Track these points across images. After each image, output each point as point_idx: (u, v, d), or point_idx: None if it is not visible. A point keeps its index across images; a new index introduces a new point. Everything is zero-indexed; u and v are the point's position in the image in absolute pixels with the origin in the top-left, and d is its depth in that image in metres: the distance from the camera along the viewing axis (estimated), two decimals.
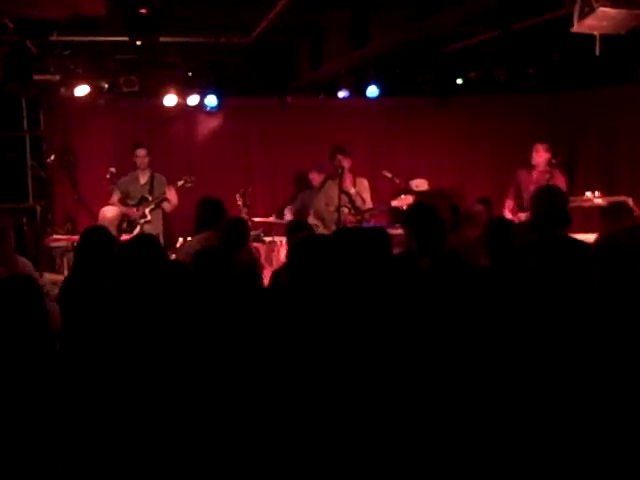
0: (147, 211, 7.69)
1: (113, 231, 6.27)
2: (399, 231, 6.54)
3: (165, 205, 7.82)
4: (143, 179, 7.93)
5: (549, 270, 3.16)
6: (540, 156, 7.53)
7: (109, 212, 6.80)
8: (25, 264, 4.63)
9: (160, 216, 7.86)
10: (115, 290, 3.81)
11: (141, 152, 7.90)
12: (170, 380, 2.97)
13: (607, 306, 3.06)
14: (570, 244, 3.24)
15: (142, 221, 7.62)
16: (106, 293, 3.86)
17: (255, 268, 5.65)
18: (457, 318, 3.11)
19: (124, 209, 7.57)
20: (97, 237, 4.58)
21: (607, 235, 4.65)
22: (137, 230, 7.40)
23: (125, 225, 7.41)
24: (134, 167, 7.96)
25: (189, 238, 7.28)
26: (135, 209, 7.67)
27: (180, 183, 7.80)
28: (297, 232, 4.95)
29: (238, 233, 5.26)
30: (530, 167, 7.59)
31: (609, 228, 4.87)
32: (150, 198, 7.76)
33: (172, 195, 7.76)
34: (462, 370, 2.92)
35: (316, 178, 8.28)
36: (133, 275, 3.77)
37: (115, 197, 7.75)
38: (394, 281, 3.70)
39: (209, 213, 5.88)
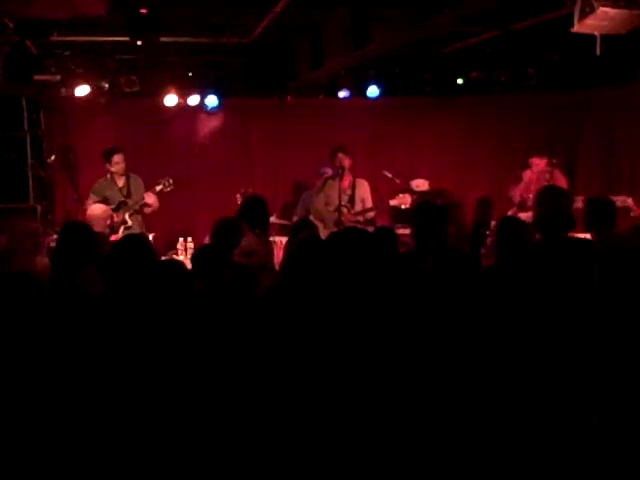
0: (127, 216, 7.39)
1: (103, 229, 6.22)
2: (400, 231, 6.56)
3: (146, 209, 7.55)
4: (120, 182, 7.60)
5: (553, 270, 3.16)
6: (538, 166, 7.61)
7: (98, 209, 6.70)
8: (45, 265, 4.61)
9: (141, 220, 7.55)
10: (106, 290, 3.81)
11: (119, 157, 7.55)
12: (165, 379, 2.97)
13: (610, 306, 3.05)
14: (574, 244, 3.24)
15: (123, 227, 7.29)
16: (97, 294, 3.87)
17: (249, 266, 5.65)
18: (456, 318, 3.11)
19: None
20: (77, 234, 4.55)
21: (608, 235, 4.67)
22: (119, 235, 6.99)
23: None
24: (110, 172, 7.60)
25: (189, 238, 7.31)
26: (115, 215, 7.21)
27: (159, 188, 7.50)
28: (299, 233, 4.96)
29: (232, 232, 5.25)
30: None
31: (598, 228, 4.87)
32: (129, 202, 7.46)
33: (152, 200, 7.47)
34: (463, 369, 2.92)
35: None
36: (124, 275, 3.78)
37: (90, 202, 7.36)
38: (393, 281, 3.70)
39: (253, 213, 5.85)
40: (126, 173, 7.63)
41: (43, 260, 4.67)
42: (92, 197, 7.52)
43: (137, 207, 7.49)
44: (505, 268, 4.03)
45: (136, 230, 7.28)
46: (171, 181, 7.58)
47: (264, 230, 5.95)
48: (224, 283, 3.81)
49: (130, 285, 3.62)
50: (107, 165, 7.61)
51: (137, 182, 7.66)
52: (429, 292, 3.16)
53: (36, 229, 4.84)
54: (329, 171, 8.01)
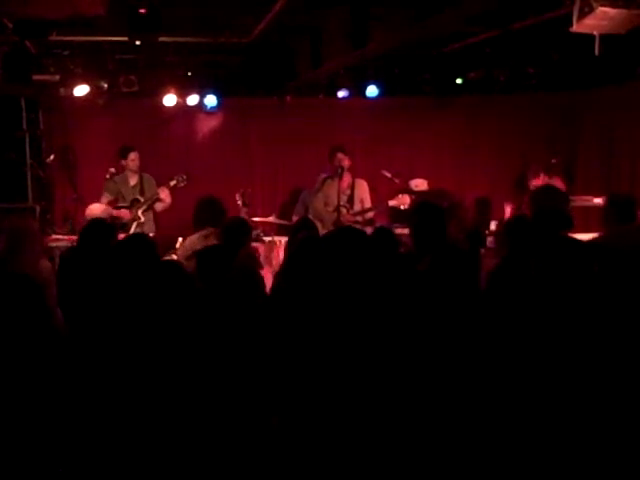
0: (140, 213, 7.63)
1: None
2: (399, 231, 6.55)
3: (157, 205, 7.79)
4: (133, 181, 7.86)
5: (549, 270, 3.15)
6: (540, 180, 7.62)
7: (96, 209, 6.80)
8: (46, 267, 4.61)
9: (152, 217, 7.80)
10: (110, 288, 3.81)
11: (134, 155, 7.83)
12: (167, 379, 2.97)
13: (607, 306, 3.05)
14: (570, 244, 3.23)
15: (135, 223, 7.56)
16: (101, 291, 3.87)
17: (254, 267, 5.66)
18: (453, 317, 3.11)
19: (115, 212, 7.54)
20: (98, 231, 4.61)
21: (608, 234, 4.66)
22: (131, 232, 7.30)
23: (118, 227, 7.29)
24: (122, 169, 7.90)
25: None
26: (128, 211, 7.61)
27: (172, 183, 7.75)
28: (298, 233, 4.97)
29: (240, 232, 5.28)
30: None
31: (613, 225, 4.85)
32: (142, 199, 7.71)
33: (165, 195, 7.73)
34: (461, 369, 2.92)
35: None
36: (127, 274, 3.77)
37: (104, 200, 7.66)
38: (391, 281, 3.70)
39: (208, 211, 5.98)
40: (140, 172, 7.86)
41: (45, 262, 4.65)
42: (106, 195, 7.74)
43: (150, 202, 7.70)
44: (506, 268, 4.02)
45: (148, 225, 7.63)
46: (185, 177, 7.82)
47: None
48: (228, 283, 3.80)
49: (132, 284, 3.62)
50: (122, 161, 7.85)
51: (150, 181, 7.90)
52: (426, 292, 3.16)
53: (35, 229, 4.84)
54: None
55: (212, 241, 5.24)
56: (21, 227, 4.60)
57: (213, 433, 2.87)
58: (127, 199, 7.70)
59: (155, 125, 9.05)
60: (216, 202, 6.16)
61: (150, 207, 7.74)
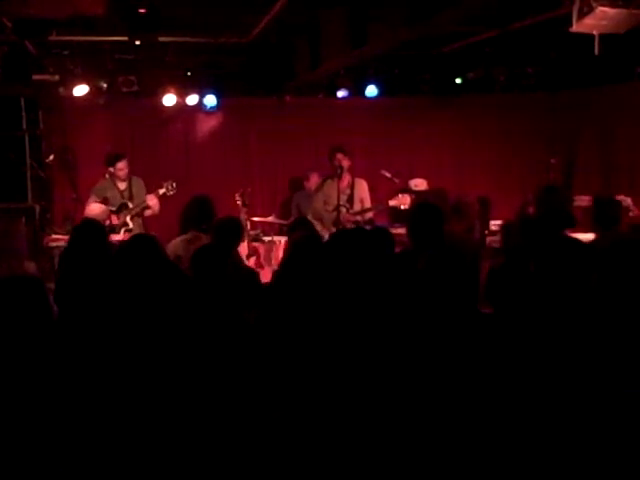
0: (128, 219, 7.42)
1: None
2: (399, 230, 6.55)
3: (146, 212, 7.59)
4: (122, 185, 7.60)
5: (548, 269, 3.16)
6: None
7: (96, 209, 6.75)
8: (31, 267, 4.60)
9: (141, 223, 7.60)
10: (114, 289, 3.81)
11: (123, 164, 7.54)
12: (169, 380, 2.97)
13: (606, 305, 3.05)
14: (570, 244, 3.24)
15: (124, 229, 7.35)
16: (103, 293, 3.87)
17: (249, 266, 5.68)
18: (451, 316, 3.11)
19: None
20: (89, 232, 4.58)
21: (612, 234, 4.67)
22: (119, 237, 7.13)
23: (107, 230, 7.07)
24: (111, 176, 7.60)
25: None
26: (116, 216, 7.37)
27: (162, 191, 7.52)
28: (296, 230, 4.97)
29: (232, 232, 5.25)
30: None
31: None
32: (130, 205, 7.49)
33: (154, 202, 7.50)
34: (458, 370, 2.92)
35: (316, 180, 8.28)
36: (133, 274, 3.77)
37: (91, 202, 7.38)
38: (390, 280, 3.70)
39: (195, 213, 5.92)
40: (129, 176, 7.64)
41: (29, 262, 4.64)
42: (93, 197, 7.53)
43: (139, 209, 7.50)
44: (507, 266, 4.03)
45: (137, 232, 7.22)
46: (174, 184, 7.58)
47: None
48: (225, 283, 3.80)
49: (137, 284, 3.62)
50: (110, 169, 7.59)
51: (139, 184, 7.68)
52: (423, 291, 3.16)
53: (21, 230, 4.81)
54: (315, 175, 8.20)
55: (197, 246, 5.03)
56: (6, 229, 4.58)
57: (212, 432, 2.87)
58: (115, 204, 7.44)
59: (154, 125, 9.06)
60: (207, 203, 6.06)
61: (139, 214, 7.52)
